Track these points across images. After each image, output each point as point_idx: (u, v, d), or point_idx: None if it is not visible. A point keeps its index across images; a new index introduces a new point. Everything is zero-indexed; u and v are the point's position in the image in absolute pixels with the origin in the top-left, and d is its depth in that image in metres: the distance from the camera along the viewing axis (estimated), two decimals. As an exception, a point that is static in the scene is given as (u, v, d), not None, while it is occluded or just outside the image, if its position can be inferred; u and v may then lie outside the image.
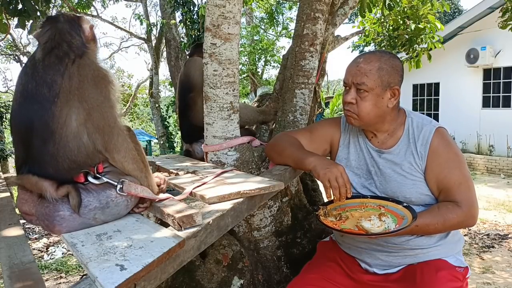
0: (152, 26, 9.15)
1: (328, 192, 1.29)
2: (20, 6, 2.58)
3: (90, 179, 1.05)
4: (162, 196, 1.16)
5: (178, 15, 7.00)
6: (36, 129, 1.01)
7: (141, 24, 8.64)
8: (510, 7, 3.89)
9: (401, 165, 1.37)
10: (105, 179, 1.05)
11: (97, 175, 1.06)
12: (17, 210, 1.33)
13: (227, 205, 1.15)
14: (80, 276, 3.44)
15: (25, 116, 1.03)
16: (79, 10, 9.02)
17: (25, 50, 15.05)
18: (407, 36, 4.48)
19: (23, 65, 1.12)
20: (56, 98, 1.00)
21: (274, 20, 14.90)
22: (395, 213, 1.30)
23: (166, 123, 10.82)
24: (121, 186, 1.05)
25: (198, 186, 1.28)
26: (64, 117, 1.01)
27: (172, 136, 11.27)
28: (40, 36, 1.11)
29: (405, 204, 1.32)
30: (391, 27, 4.59)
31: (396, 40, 4.61)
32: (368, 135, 1.47)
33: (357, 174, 1.47)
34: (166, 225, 1.05)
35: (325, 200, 1.48)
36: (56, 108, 1.00)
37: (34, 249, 4.38)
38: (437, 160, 1.34)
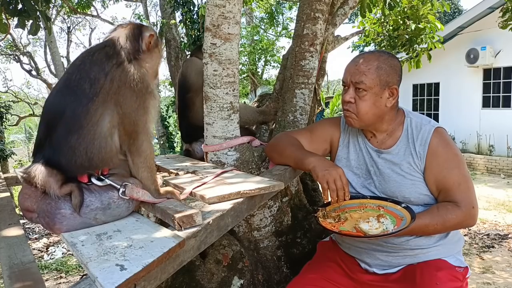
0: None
1: (326, 194, 1.29)
2: (20, 6, 2.57)
3: (94, 180, 1.05)
4: (163, 199, 1.16)
5: (178, 15, 7.01)
6: (65, 118, 1.03)
7: (141, 24, 8.62)
8: (510, 7, 3.89)
9: (400, 165, 1.37)
10: (108, 182, 1.06)
11: (101, 177, 1.06)
12: (17, 210, 1.33)
13: (227, 205, 1.15)
14: (80, 276, 3.44)
15: (59, 103, 1.06)
16: (79, 10, 9.02)
17: (25, 50, 15.05)
18: (407, 36, 4.47)
19: (80, 54, 1.16)
20: (95, 96, 1.03)
21: (274, 20, 14.90)
22: (394, 214, 1.30)
23: (166, 123, 10.82)
24: (124, 189, 1.06)
25: (198, 186, 1.28)
26: (98, 116, 1.03)
27: (172, 136, 11.26)
28: (106, 37, 1.17)
29: (404, 205, 1.32)
30: (391, 27, 4.59)
31: (396, 40, 4.60)
32: (367, 135, 1.47)
33: (357, 174, 1.47)
34: (166, 225, 1.05)
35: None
36: (92, 106, 1.03)
37: (34, 249, 4.38)
38: (436, 160, 1.34)
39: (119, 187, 1.06)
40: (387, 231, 1.21)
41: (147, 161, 1.13)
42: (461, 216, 1.29)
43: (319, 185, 1.33)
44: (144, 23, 1.28)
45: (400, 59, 5.18)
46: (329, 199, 1.31)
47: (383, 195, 1.40)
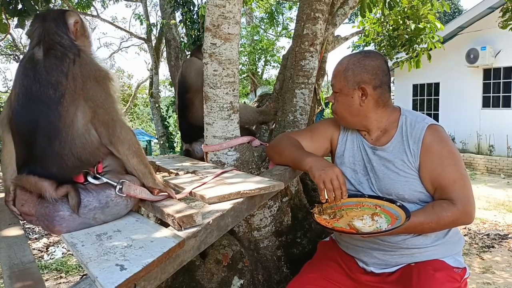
0: (152, 26, 9.14)
1: (323, 194, 1.29)
2: (20, 6, 2.57)
3: (90, 179, 1.05)
4: (161, 197, 1.16)
5: (178, 15, 7.01)
6: (41, 129, 1.02)
7: (141, 24, 8.65)
8: (510, 7, 3.89)
9: (394, 162, 1.37)
10: (105, 179, 1.06)
11: (97, 175, 1.06)
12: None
13: (227, 205, 1.15)
14: (80, 276, 3.44)
15: (29, 117, 1.04)
16: (79, 10, 9.02)
17: (25, 50, 15.03)
18: (407, 36, 4.47)
19: (20, 64, 1.12)
20: (62, 98, 1.02)
21: (274, 20, 14.90)
22: (390, 213, 1.30)
23: (166, 123, 10.82)
24: (121, 187, 1.06)
25: (198, 186, 1.28)
26: (71, 116, 1.03)
27: (172, 136, 11.26)
28: (30, 35, 1.12)
29: (399, 204, 1.31)
30: (391, 27, 4.59)
31: (396, 40, 4.61)
32: (361, 133, 1.48)
33: (355, 170, 1.48)
34: (166, 225, 1.05)
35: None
36: (62, 108, 1.02)
37: (34, 249, 4.37)
38: (431, 157, 1.33)
39: (116, 184, 1.06)
40: (380, 229, 1.21)
41: (133, 146, 1.12)
42: (456, 213, 1.28)
43: (318, 185, 1.33)
44: (68, 9, 1.25)
45: (400, 59, 5.20)
46: (326, 199, 1.31)
47: (378, 191, 1.41)
